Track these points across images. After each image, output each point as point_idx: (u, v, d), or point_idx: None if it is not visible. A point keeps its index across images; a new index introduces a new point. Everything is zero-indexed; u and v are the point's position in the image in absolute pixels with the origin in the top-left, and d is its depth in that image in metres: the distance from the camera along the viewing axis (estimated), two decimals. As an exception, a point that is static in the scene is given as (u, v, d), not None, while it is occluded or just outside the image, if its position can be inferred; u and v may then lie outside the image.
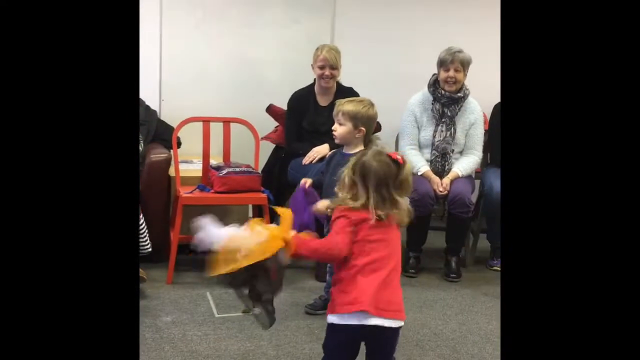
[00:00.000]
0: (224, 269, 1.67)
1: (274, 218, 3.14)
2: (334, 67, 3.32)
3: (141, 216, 2.69)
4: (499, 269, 3.53)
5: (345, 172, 1.73)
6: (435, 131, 3.37)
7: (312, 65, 3.40)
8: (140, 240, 2.66)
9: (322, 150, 3.25)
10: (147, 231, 2.81)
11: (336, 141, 2.58)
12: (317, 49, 3.36)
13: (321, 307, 2.73)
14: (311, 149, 3.27)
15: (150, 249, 2.79)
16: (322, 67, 3.32)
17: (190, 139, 3.56)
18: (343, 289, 1.66)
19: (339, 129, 2.52)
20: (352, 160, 1.75)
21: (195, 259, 3.17)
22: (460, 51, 3.32)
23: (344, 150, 2.58)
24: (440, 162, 3.38)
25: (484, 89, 3.52)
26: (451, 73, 3.31)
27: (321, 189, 2.52)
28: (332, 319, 1.68)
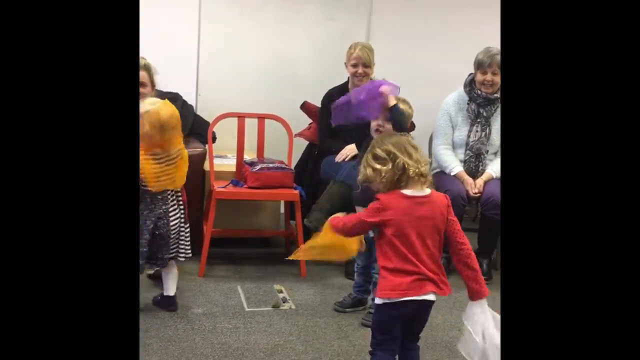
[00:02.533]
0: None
1: (306, 214, 3.17)
2: (367, 65, 3.31)
3: (187, 223, 2.65)
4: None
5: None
6: (470, 131, 3.35)
7: (345, 63, 3.40)
8: (184, 244, 2.63)
9: (355, 148, 3.25)
10: (189, 236, 2.69)
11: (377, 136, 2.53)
12: (350, 46, 3.36)
13: (350, 304, 2.74)
14: (344, 147, 3.28)
15: (190, 255, 2.69)
16: (355, 65, 3.32)
17: (225, 134, 3.61)
18: None
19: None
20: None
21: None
22: (498, 53, 3.27)
23: None
24: (475, 162, 3.35)
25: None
26: (488, 77, 3.26)
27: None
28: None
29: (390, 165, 1.80)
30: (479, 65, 3.30)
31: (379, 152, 1.84)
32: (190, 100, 3.90)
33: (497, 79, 3.28)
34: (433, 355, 2.38)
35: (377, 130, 2.45)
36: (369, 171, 1.85)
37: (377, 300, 1.82)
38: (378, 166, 1.82)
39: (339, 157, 3.28)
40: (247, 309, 2.72)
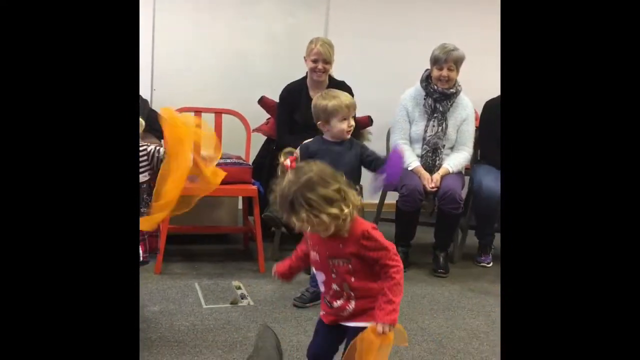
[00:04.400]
0: None
1: (264, 209, 3.15)
2: (327, 61, 3.31)
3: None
4: (487, 265, 3.56)
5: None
6: (426, 126, 3.38)
7: (304, 57, 3.39)
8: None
9: (313, 143, 3.25)
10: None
11: (348, 137, 2.61)
12: (311, 41, 3.35)
13: (309, 299, 2.74)
14: (302, 142, 3.27)
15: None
16: (315, 61, 3.31)
17: (181, 129, 3.56)
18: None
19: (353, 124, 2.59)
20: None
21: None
22: (454, 49, 3.31)
23: (327, 137, 2.64)
24: (431, 157, 3.39)
25: (475, 86, 3.53)
26: (444, 72, 3.30)
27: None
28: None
29: (345, 203, 1.58)
30: (435, 61, 3.33)
31: (329, 193, 1.56)
32: (145, 95, 3.84)
33: (453, 74, 3.32)
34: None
35: (348, 132, 2.56)
36: (326, 219, 1.55)
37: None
38: (335, 210, 1.56)
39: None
40: (204, 306, 2.69)
